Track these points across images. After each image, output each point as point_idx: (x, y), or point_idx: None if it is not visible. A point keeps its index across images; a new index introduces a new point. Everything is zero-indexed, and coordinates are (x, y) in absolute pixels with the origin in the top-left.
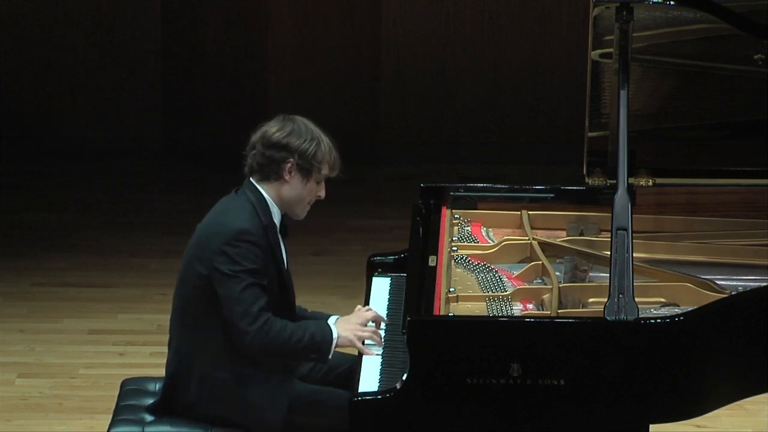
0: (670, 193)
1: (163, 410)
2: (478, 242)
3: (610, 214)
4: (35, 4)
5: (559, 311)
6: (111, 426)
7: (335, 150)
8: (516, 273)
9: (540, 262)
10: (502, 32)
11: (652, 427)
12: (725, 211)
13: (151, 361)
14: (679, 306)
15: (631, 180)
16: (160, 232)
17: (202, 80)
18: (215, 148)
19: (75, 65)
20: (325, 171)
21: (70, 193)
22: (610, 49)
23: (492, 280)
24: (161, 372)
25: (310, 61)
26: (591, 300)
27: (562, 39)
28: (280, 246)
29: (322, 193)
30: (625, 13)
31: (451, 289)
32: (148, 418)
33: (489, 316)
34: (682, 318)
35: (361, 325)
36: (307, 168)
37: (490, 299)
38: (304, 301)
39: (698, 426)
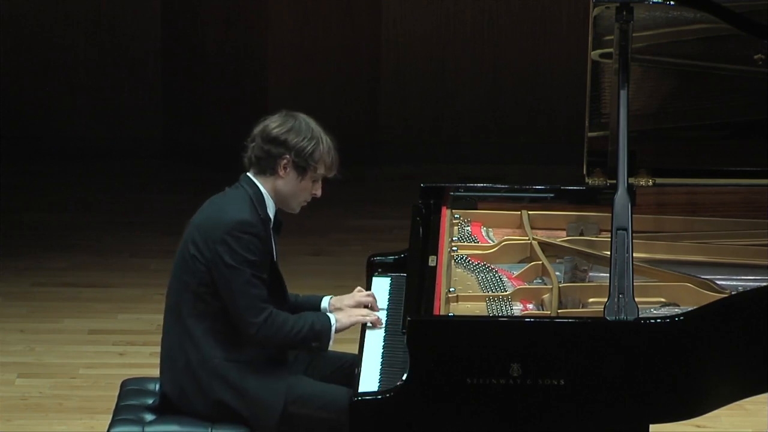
0: (670, 193)
1: (163, 409)
2: (478, 242)
3: (610, 214)
4: (35, 4)
5: (559, 311)
6: (111, 426)
7: (335, 150)
8: (516, 273)
9: (540, 262)
10: (502, 32)
11: (652, 427)
12: (725, 211)
13: (151, 361)
14: (679, 306)
15: (631, 180)
16: (160, 232)
17: (202, 80)
18: (215, 148)
19: (75, 65)
20: (321, 170)
21: (70, 193)
22: (610, 49)
23: (492, 280)
24: None
25: (310, 61)
26: (591, 300)
27: (562, 39)
28: (272, 239)
29: (318, 192)
30: (625, 13)
31: (451, 289)
32: (148, 418)
33: (489, 316)
34: (682, 318)
35: (353, 306)
36: (302, 165)
37: (490, 299)
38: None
39: (698, 426)
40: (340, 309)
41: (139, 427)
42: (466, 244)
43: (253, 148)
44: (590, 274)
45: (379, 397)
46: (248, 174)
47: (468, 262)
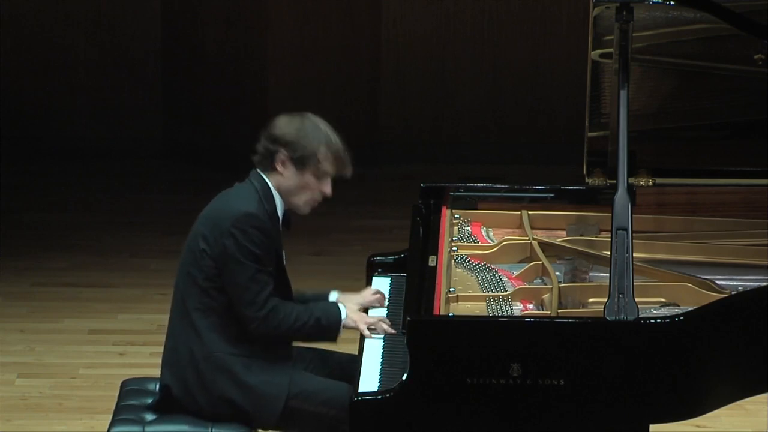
0: (670, 193)
1: (163, 407)
2: (478, 242)
3: (610, 214)
4: (35, 4)
5: (559, 311)
6: (111, 426)
7: (342, 149)
8: (516, 273)
9: (540, 262)
10: (502, 32)
11: (652, 427)
12: (725, 211)
13: (151, 361)
14: (679, 306)
15: (631, 180)
16: (160, 232)
17: (202, 80)
18: (215, 148)
19: (75, 65)
20: (326, 168)
21: (70, 193)
22: (610, 49)
23: (492, 280)
24: None
25: (310, 61)
26: (591, 300)
27: (562, 39)
28: (280, 235)
29: (328, 190)
30: (625, 13)
31: (451, 289)
32: (148, 418)
33: (489, 316)
34: (682, 318)
35: (362, 304)
36: (300, 161)
37: (490, 299)
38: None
39: (698, 426)
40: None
41: (139, 427)
42: (466, 244)
43: (258, 146)
44: (590, 274)
45: (379, 397)
46: (257, 170)
47: (468, 262)
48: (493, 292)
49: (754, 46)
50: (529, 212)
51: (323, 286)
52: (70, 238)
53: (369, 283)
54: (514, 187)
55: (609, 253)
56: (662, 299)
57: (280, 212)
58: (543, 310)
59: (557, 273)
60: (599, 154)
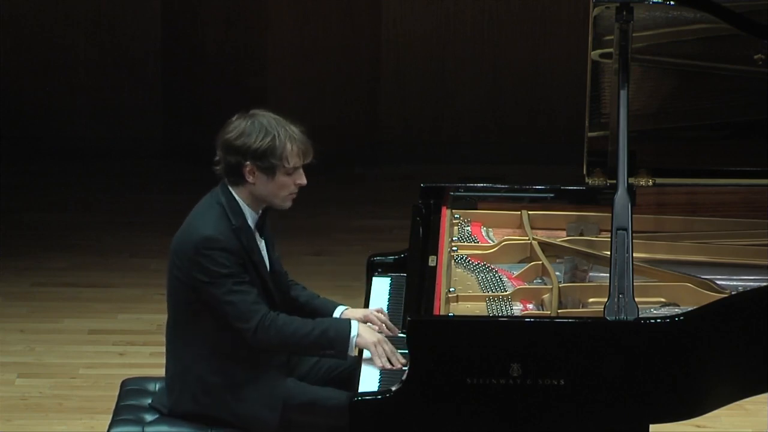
0: (670, 193)
1: (162, 410)
2: (478, 242)
3: (610, 214)
4: (35, 4)
5: (559, 311)
6: (111, 426)
7: (302, 138)
8: (516, 273)
9: (540, 262)
10: (502, 32)
11: (652, 427)
12: (725, 211)
13: (151, 361)
14: (679, 306)
15: (631, 180)
16: (160, 232)
17: (202, 80)
18: (215, 148)
19: (75, 65)
20: (291, 162)
21: (70, 193)
22: (610, 49)
23: (492, 280)
24: (161, 372)
25: (310, 61)
26: (591, 300)
27: (562, 39)
28: (257, 246)
29: (303, 181)
30: (625, 13)
31: (451, 289)
32: (148, 418)
33: (489, 316)
34: (682, 318)
35: (362, 319)
36: (267, 167)
37: (490, 299)
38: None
39: (698, 426)
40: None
41: (139, 427)
42: (466, 244)
43: (218, 161)
44: (590, 274)
45: (379, 397)
46: (225, 182)
47: (468, 262)
48: (493, 292)
49: (754, 46)
50: (529, 212)
51: (323, 285)
52: (70, 238)
53: (369, 282)
54: (514, 187)
55: (609, 253)
56: (662, 299)
57: (251, 222)
58: (543, 310)
59: (557, 273)
60: (599, 154)
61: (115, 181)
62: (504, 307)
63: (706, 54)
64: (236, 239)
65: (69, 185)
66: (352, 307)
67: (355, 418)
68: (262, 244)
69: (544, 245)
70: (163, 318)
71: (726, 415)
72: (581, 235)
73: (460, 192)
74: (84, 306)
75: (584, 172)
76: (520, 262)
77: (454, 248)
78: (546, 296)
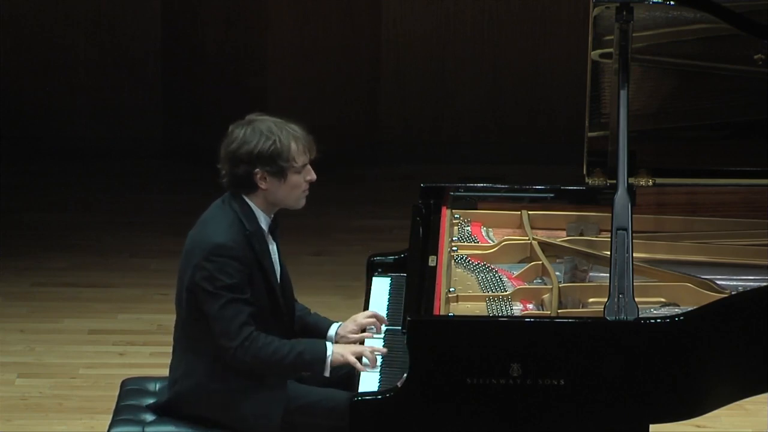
0: (670, 193)
1: (163, 411)
2: (478, 242)
3: (610, 214)
4: (35, 4)
5: (559, 311)
6: (111, 426)
7: (302, 134)
8: (516, 273)
9: (540, 262)
10: (502, 32)
11: (652, 427)
12: (725, 211)
13: (151, 361)
14: (679, 306)
15: (631, 180)
16: (160, 232)
17: (202, 80)
18: (215, 148)
19: (75, 65)
20: (303, 160)
21: (70, 193)
22: (610, 49)
23: (492, 280)
24: (161, 372)
25: (310, 61)
26: (591, 300)
27: (562, 39)
28: (268, 251)
29: (313, 176)
30: (625, 13)
31: (451, 289)
32: (148, 418)
33: (489, 316)
34: (682, 318)
35: (356, 330)
36: (277, 170)
37: (490, 299)
38: (305, 301)
39: (698, 426)
40: (345, 337)
41: (139, 427)
42: (466, 244)
43: (224, 174)
44: (590, 274)
45: (379, 397)
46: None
47: (468, 262)
48: (493, 292)
49: (754, 46)
50: (529, 212)
51: (323, 285)
52: (70, 238)
53: (369, 282)
54: (514, 187)
55: (609, 253)
56: (662, 299)
57: (265, 226)
58: (543, 310)
59: (557, 273)
60: (599, 154)
61: (115, 181)
62: (504, 307)
63: (706, 54)
64: (248, 246)
65: (69, 185)
66: (352, 307)
67: (355, 418)
68: (273, 248)
69: (544, 245)
70: (163, 318)
71: (726, 415)
72: (581, 235)
73: (460, 192)
74: (84, 306)
75: (584, 172)
76: (520, 262)
77: (454, 248)
78: (546, 296)
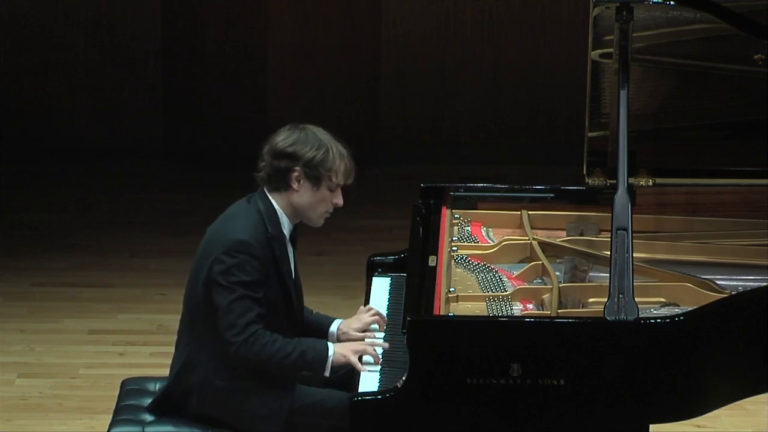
0: (670, 193)
1: (162, 409)
2: (478, 242)
3: (610, 214)
4: (35, 4)
5: (559, 311)
6: (111, 426)
7: (349, 158)
8: (516, 273)
9: (540, 262)
10: (502, 32)
11: (652, 427)
12: (725, 211)
13: (151, 361)
14: (679, 306)
15: (631, 180)
16: (160, 232)
17: (202, 80)
18: (215, 148)
19: (75, 65)
20: (337, 179)
21: (70, 193)
22: (610, 49)
23: (492, 280)
24: (161, 372)
25: (310, 61)
26: (591, 300)
27: (562, 39)
28: (287, 256)
29: (340, 201)
30: (625, 13)
31: (451, 289)
32: (148, 418)
33: (489, 316)
34: (682, 318)
35: (361, 328)
36: (315, 176)
37: (490, 299)
38: (305, 301)
39: (698, 426)
40: (347, 333)
41: (139, 427)
42: (466, 244)
43: (263, 166)
44: (590, 274)
45: (379, 397)
46: (264, 189)
47: (468, 262)
48: (493, 292)
49: (754, 46)
50: (529, 212)
51: (323, 285)
52: (70, 238)
53: (369, 282)
54: (514, 187)
55: (609, 253)
56: (662, 299)
57: (287, 231)
58: (543, 310)
59: (557, 273)
60: (599, 154)
61: (115, 181)
62: (504, 307)
63: (706, 54)
64: (269, 247)
65: (69, 185)
66: (352, 307)
67: (355, 418)
68: (291, 254)
69: (544, 245)
70: (163, 318)
71: (726, 415)
72: (581, 235)
73: (460, 192)
74: (84, 306)
75: (584, 172)
76: (520, 262)
77: (454, 248)
78: (546, 296)
